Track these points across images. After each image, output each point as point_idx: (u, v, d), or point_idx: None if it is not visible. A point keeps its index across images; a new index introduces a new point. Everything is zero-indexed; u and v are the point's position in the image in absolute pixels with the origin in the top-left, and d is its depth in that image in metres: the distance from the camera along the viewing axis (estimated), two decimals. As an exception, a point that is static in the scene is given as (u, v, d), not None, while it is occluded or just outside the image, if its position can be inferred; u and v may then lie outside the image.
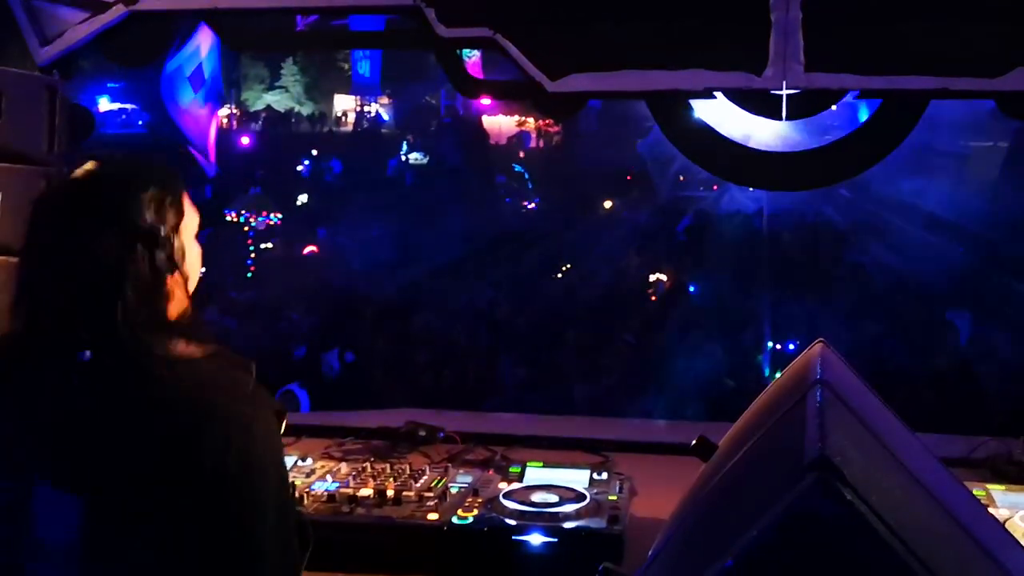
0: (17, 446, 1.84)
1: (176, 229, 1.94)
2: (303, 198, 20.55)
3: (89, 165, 1.96)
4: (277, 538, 1.82)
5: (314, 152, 23.72)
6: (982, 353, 8.23)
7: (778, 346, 8.50)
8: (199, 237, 2.07)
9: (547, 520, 2.78)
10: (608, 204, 18.00)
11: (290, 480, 2.03)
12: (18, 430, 1.85)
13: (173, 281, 1.91)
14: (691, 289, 10.96)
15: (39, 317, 1.88)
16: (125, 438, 1.77)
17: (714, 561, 1.04)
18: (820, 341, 1.91)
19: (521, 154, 24.82)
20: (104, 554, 1.76)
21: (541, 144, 26.97)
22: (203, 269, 2.10)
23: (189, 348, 1.86)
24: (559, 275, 12.33)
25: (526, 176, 21.29)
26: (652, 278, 11.55)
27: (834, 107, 3.88)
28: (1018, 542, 1.75)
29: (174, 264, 1.92)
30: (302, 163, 22.83)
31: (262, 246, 14.87)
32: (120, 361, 1.81)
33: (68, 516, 1.76)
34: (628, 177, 19.46)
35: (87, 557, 1.76)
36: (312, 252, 14.56)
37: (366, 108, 30.85)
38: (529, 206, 19.44)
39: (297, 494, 2.88)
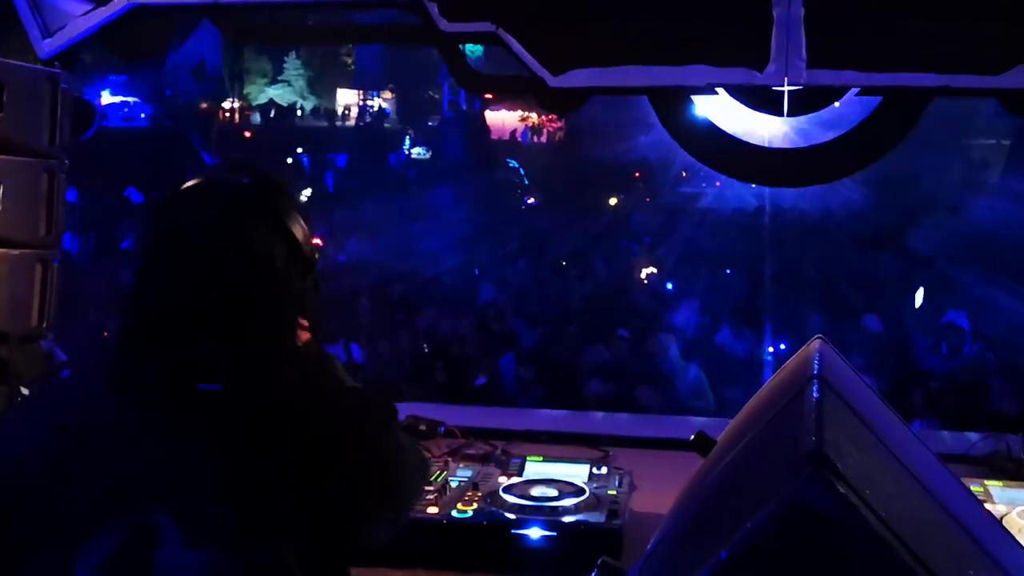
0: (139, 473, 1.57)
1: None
2: (306, 192, 20.55)
3: (253, 175, 1.79)
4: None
5: (316, 146, 23.71)
6: (983, 352, 8.24)
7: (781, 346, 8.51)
8: None
9: (546, 514, 2.78)
10: (611, 200, 17.99)
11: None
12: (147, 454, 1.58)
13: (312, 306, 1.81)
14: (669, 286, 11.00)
15: (168, 322, 1.64)
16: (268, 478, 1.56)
17: (710, 554, 1.05)
18: (818, 337, 1.91)
19: (523, 149, 24.77)
20: None
21: (544, 139, 26.93)
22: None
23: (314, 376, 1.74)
24: (560, 270, 12.33)
25: (521, 172, 21.26)
26: (644, 272, 11.58)
27: (837, 104, 3.89)
28: (1013, 538, 1.76)
29: (318, 293, 1.83)
30: (304, 157, 22.82)
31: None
32: (259, 387, 1.62)
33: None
34: (636, 174, 19.44)
35: None
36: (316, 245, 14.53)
37: (369, 102, 30.82)
38: (529, 201, 19.42)
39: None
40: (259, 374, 1.63)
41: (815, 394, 1.32)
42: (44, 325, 3.54)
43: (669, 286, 11.02)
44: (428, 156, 24.45)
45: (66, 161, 3.65)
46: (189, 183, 1.78)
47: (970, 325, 8.78)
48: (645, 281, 11.45)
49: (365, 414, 1.74)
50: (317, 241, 1.87)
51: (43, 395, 1.91)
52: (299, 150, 22.86)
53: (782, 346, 8.40)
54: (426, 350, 8.68)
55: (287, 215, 1.77)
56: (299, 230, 1.78)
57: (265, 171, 1.84)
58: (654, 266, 11.81)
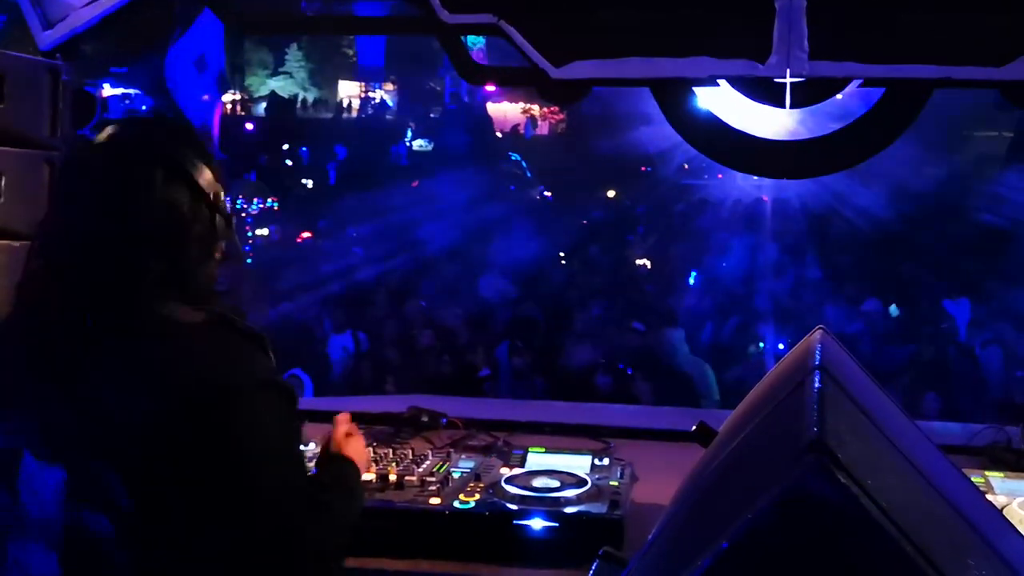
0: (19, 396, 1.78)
1: (223, 196, 1.92)
2: (308, 183, 20.54)
3: (145, 120, 1.99)
4: (270, 510, 1.77)
5: (318, 138, 23.68)
6: (981, 340, 8.23)
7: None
8: None
9: (548, 505, 2.79)
10: (612, 192, 17.98)
11: (295, 458, 1.95)
12: (22, 379, 1.79)
13: (218, 247, 1.91)
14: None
15: (70, 265, 1.79)
16: (126, 403, 1.71)
17: (711, 544, 1.05)
18: (820, 328, 1.91)
19: (525, 141, 24.74)
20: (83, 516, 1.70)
21: (546, 131, 26.91)
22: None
23: (196, 314, 1.81)
24: (562, 262, 12.33)
25: (524, 165, 21.24)
26: (638, 263, 11.59)
27: (840, 96, 3.88)
28: (1015, 528, 1.76)
29: (230, 229, 1.92)
30: (305, 149, 22.80)
31: (257, 232, 14.81)
32: (135, 321, 1.76)
33: (53, 486, 1.71)
34: (643, 169, 19.42)
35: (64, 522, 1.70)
36: (312, 238, 14.54)
37: (370, 94, 30.79)
38: (531, 193, 19.41)
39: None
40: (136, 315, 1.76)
41: (816, 384, 1.32)
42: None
43: (692, 277, 10.96)
44: (430, 148, 24.42)
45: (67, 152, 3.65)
46: (90, 138, 1.92)
47: (969, 313, 8.80)
48: (638, 271, 11.44)
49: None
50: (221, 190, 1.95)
51: None
52: (300, 141, 22.83)
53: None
54: (429, 341, 8.67)
55: (186, 159, 1.86)
56: (202, 172, 1.87)
57: (171, 120, 2.05)
58: (649, 258, 11.80)
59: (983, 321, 8.78)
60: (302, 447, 3.26)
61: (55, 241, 1.85)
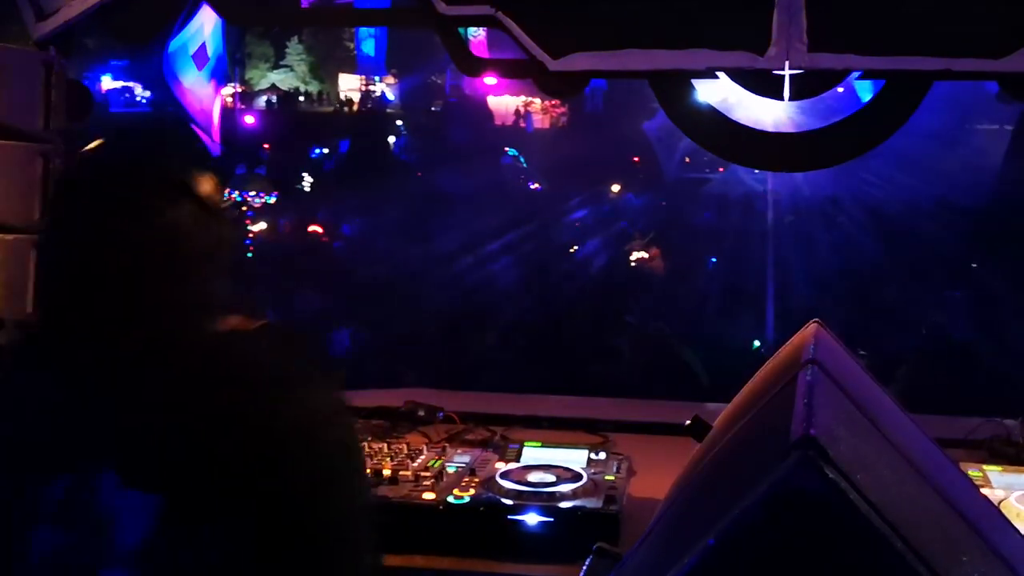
0: (69, 430, 1.65)
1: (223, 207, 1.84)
2: (307, 178, 20.52)
3: (144, 134, 1.85)
4: (338, 521, 1.71)
5: (318, 131, 23.66)
6: (981, 333, 8.19)
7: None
8: None
9: (544, 500, 2.77)
10: (614, 186, 17.94)
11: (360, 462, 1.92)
12: (68, 412, 1.66)
13: (227, 260, 1.82)
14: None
15: (81, 292, 1.68)
16: (185, 425, 1.61)
17: (699, 540, 1.03)
18: (815, 321, 1.90)
19: (525, 134, 24.72)
20: (164, 554, 1.58)
21: (547, 125, 26.87)
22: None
23: (239, 322, 1.76)
24: (562, 256, 12.31)
25: (521, 159, 21.23)
26: (634, 256, 11.55)
27: (840, 89, 3.86)
28: (1010, 523, 1.74)
29: (233, 242, 1.84)
30: (306, 142, 22.78)
31: (255, 227, 14.78)
32: (174, 341, 1.67)
33: (137, 514, 1.59)
34: (635, 159, 19.40)
35: (151, 558, 1.58)
36: (315, 233, 14.52)
37: (371, 87, 30.75)
38: (532, 186, 19.39)
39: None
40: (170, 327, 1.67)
41: (809, 378, 1.31)
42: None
43: (713, 260, 10.87)
44: (431, 142, 24.37)
45: (61, 145, 3.63)
46: (89, 156, 1.81)
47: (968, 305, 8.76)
48: (633, 264, 11.41)
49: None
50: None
51: None
52: (301, 135, 22.82)
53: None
54: (427, 335, 8.66)
55: (184, 174, 1.74)
56: (200, 185, 1.76)
57: (168, 129, 1.90)
58: (647, 251, 11.77)
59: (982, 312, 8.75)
60: None
61: (71, 269, 1.72)
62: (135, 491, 1.60)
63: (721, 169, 17.01)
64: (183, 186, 1.74)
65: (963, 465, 2.90)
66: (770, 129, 3.92)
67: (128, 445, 1.62)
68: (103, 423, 1.64)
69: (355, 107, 28.89)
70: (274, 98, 29.12)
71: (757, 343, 8.54)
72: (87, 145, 1.85)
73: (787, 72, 3.64)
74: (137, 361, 1.66)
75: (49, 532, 1.62)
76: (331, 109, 28.87)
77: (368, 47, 30.44)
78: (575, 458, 3.14)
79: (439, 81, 28.96)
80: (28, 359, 1.75)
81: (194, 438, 1.60)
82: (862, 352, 6.93)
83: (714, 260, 11.10)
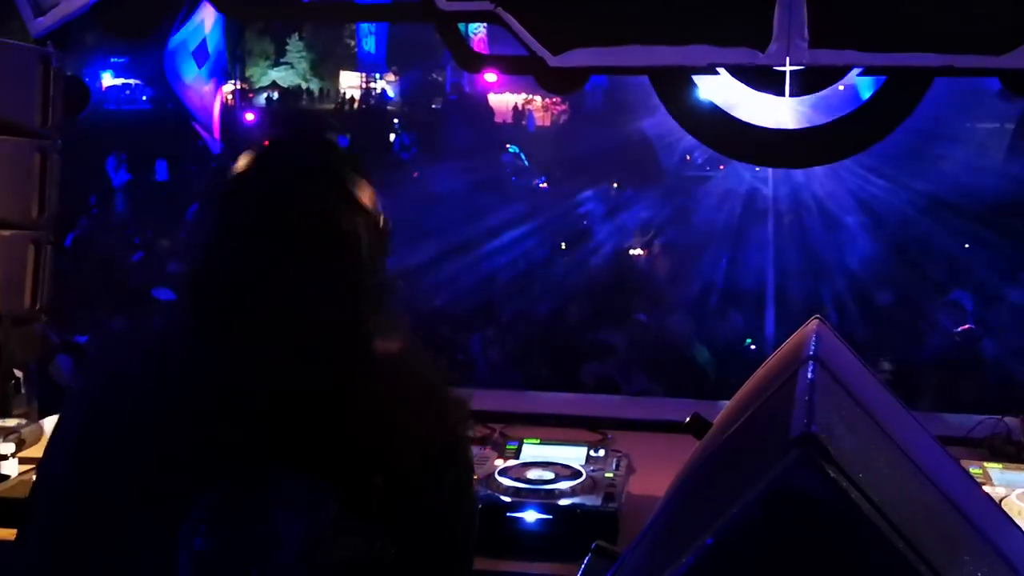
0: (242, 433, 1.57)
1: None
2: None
3: (309, 145, 1.74)
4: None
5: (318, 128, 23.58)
6: (984, 332, 8.20)
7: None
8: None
9: (542, 497, 2.76)
10: (615, 184, 17.91)
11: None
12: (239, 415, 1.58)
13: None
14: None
15: (246, 297, 1.60)
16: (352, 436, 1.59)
17: (696, 539, 1.02)
18: (816, 318, 1.88)
19: (526, 131, 24.69)
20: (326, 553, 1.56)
21: (548, 122, 26.85)
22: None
23: (388, 344, 1.71)
24: (562, 253, 12.30)
25: (522, 156, 21.20)
26: (634, 254, 11.55)
27: (841, 87, 3.85)
28: (1012, 520, 1.73)
29: (388, 256, 1.76)
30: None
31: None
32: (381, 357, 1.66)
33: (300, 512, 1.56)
34: (639, 157, 19.35)
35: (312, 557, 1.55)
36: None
37: (372, 84, 30.72)
38: (534, 183, 19.36)
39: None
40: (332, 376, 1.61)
41: (809, 375, 1.29)
42: (37, 307, 3.52)
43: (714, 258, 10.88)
44: (431, 139, 24.35)
45: (59, 141, 3.62)
46: (247, 164, 1.75)
47: (973, 305, 8.76)
48: (634, 261, 11.41)
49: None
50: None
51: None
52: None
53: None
54: (427, 332, 8.64)
55: (358, 188, 1.68)
56: (367, 197, 1.70)
57: (319, 132, 1.79)
58: (649, 248, 11.76)
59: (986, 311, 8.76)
60: None
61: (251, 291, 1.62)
62: (310, 491, 1.55)
63: (722, 167, 16.97)
64: (360, 203, 1.69)
65: (964, 463, 2.89)
66: (771, 126, 3.91)
67: (332, 458, 1.57)
68: (295, 426, 1.57)
69: (356, 104, 28.87)
70: (275, 95, 29.07)
71: (749, 340, 8.53)
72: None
73: (788, 68, 3.63)
74: (351, 376, 1.62)
75: (214, 530, 1.56)
76: (332, 106, 28.83)
77: (369, 44, 30.39)
78: (574, 455, 3.12)
79: (440, 78, 28.92)
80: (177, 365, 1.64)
81: (391, 453, 1.60)
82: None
83: (715, 258, 11.07)
